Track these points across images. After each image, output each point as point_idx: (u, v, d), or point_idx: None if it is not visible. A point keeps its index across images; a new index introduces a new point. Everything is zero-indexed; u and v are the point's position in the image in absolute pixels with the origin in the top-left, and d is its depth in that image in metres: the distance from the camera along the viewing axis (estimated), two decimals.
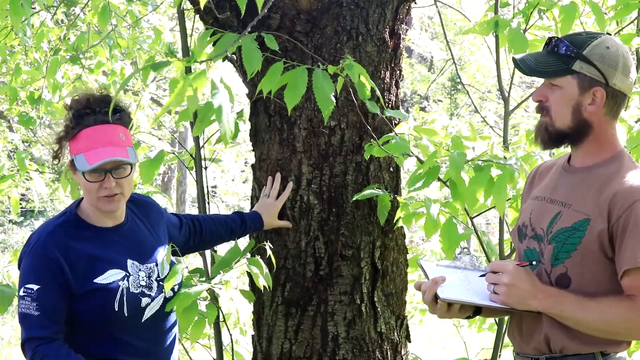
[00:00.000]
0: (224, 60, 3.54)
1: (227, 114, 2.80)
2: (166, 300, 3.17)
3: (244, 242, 3.73)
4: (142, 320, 3.11)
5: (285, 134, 3.73)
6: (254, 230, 3.71)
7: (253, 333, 3.92)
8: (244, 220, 3.67)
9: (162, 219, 3.35)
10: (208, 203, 4.00)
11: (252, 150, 3.91)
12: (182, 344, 4.85)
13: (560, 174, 2.88)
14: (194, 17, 4.15)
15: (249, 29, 2.89)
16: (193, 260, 13.22)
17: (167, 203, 4.40)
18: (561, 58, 2.75)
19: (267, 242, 3.62)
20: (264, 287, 3.61)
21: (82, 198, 3.17)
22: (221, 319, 3.60)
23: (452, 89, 20.42)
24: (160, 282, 3.16)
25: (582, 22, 4.59)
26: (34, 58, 7.29)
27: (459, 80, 17.02)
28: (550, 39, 2.82)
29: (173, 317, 3.26)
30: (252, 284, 3.68)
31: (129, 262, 3.12)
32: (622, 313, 2.63)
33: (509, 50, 3.80)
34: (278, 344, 3.76)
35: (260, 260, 3.42)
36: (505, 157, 3.62)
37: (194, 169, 3.96)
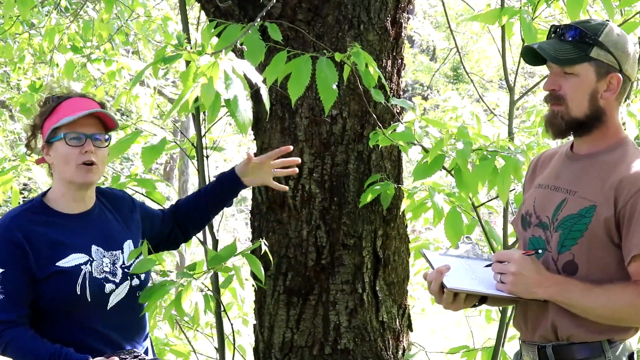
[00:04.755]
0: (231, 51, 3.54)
1: (243, 103, 2.80)
2: (132, 288, 3.16)
3: (245, 235, 3.71)
4: (108, 308, 3.10)
5: (287, 123, 3.72)
6: (234, 185, 3.49)
7: (255, 322, 3.92)
8: (220, 181, 3.51)
9: (134, 210, 3.33)
10: None
11: (254, 140, 3.91)
12: (185, 333, 4.86)
13: (563, 161, 2.87)
14: (200, 11, 4.13)
15: (258, 19, 2.89)
16: (195, 250, 13.25)
17: (169, 192, 4.40)
18: (577, 45, 2.73)
19: (267, 233, 3.61)
20: (266, 276, 3.61)
21: (49, 189, 3.19)
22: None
23: (454, 78, 20.39)
24: (126, 270, 3.15)
25: (587, 11, 4.57)
26: (40, 47, 7.29)
27: (462, 69, 16.98)
28: (556, 26, 2.80)
29: (142, 307, 3.23)
30: (253, 273, 3.67)
31: (94, 247, 3.12)
32: (629, 299, 2.64)
33: (527, 40, 3.76)
34: (280, 333, 3.76)
35: (249, 259, 3.36)
36: (509, 148, 3.62)
37: (196, 158, 3.95)
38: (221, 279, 3.78)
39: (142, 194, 4.19)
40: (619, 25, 3.55)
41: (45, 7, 6.91)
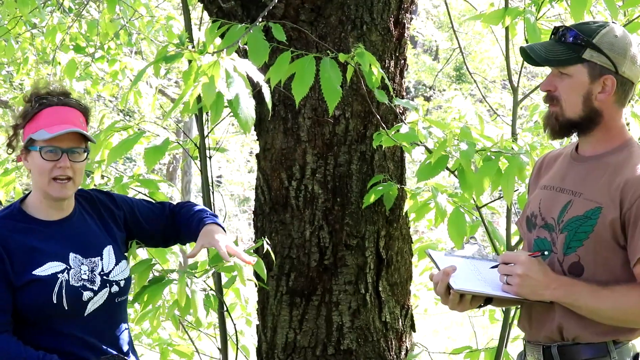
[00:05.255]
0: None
1: (245, 101, 2.80)
2: (111, 295, 3.10)
3: (248, 235, 3.69)
4: (85, 314, 3.04)
5: (290, 124, 3.72)
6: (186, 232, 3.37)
7: (258, 323, 3.92)
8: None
9: (118, 212, 3.27)
10: (213, 193, 3.99)
11: (257, 140, 3.90)
12: (188, 333, 4.86)
13: (568, 163, 2.87)
14: (202, 11, 4.13)
15: (260, 20, 2.89)
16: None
17: (172, 193, 4.39)
18: (571, 47, 2.74)
19: (270, 233, 3.60)
20: (269, 276, 3.61)
21: (27, 194, 3.14)
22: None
23: (457, 79, 20.39)
24: (105, 277, 3.09)
25: (591, 12, 4.57)
26: (42, 47, 7.29)
27: (465, 69, 16.97)
28: (557, 28, 2.81)
29: (123, 311, 3.19)
30: (256, 273, 3.67)
31: (72, 255, 3.05)
32: (635, 301, 2.64)
33: (531, 41, 3.77)
34: (283, 333, 3.76)
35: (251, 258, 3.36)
36: (513, 149, 3.62)
37: (199, 159, 3.95)
38: (224, 280, 3.78)
39: (144, 194, 4.18)
40: (623, 26, 3.55)
41: (48, 7, 6.90)
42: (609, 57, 2.71)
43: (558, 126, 2.78)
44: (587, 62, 2.72)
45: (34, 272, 2.98)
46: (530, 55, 2.82)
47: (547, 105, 2.82)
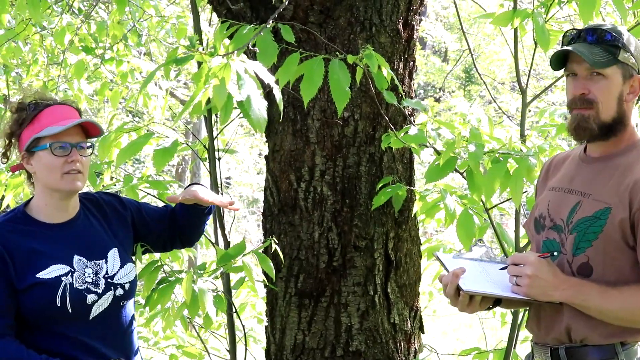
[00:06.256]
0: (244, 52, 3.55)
1: (257, 102, 2.80)
2: (116, 298, 3.09)
3: (257, 237, 3.71)
4: (90, 318, 3.04)
5: (299, 125, 3.72)
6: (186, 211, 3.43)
7: (266, 324, 3.93)
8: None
9: (125, 213, 3.28)
10: (222, 194, 3.99)
11: (266, 142, 3.91)
12: (198, 333, 4.87)
13: (577, 164, 2.87)
14: (212, 13, 4.14)
15: (270, 21, 2.90)
16: (207, 252, 13.27)
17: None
18: (607, 48, 2.71)
19: (279, 235, 3.61)
20: (278, 278, 3.62)
21: (31, 199, 3.14)
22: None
23: (466, 80, 20.39)
24: (109, 280, 3.08)
25: (600, 14, 4.56)
26: (51, 48, 7.30)
27: (474, 70, 16.97)
28: (587, 30, 2.77)
29: (129, 315, 3.17)
30: (266, 274, 3.67)
31: (76, 258, 3.05)
32: None
33: (544, 47, 3.76)
34: (291, 335, 3.76)
35: (259, 257, 3.37)
36: (521, 150, 3.61)
37: (208, 160, 3.96)
38: (233, 282, 3.79)
39: (154, 195, 4.19)
40: (630, 29, 3.55)
41: (57, 5, 6.91)
42: (635, 58, 2.72)
43: (597, 129, 2.74)
44: (621, 64, 2.72)
45: (37, 275, 2.97)
46: (564, 59, 2.76)
47: (571, 109, 2.78)
